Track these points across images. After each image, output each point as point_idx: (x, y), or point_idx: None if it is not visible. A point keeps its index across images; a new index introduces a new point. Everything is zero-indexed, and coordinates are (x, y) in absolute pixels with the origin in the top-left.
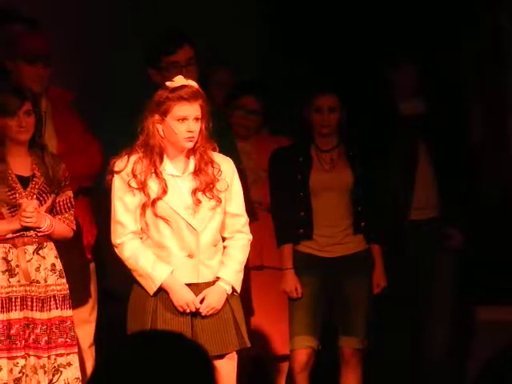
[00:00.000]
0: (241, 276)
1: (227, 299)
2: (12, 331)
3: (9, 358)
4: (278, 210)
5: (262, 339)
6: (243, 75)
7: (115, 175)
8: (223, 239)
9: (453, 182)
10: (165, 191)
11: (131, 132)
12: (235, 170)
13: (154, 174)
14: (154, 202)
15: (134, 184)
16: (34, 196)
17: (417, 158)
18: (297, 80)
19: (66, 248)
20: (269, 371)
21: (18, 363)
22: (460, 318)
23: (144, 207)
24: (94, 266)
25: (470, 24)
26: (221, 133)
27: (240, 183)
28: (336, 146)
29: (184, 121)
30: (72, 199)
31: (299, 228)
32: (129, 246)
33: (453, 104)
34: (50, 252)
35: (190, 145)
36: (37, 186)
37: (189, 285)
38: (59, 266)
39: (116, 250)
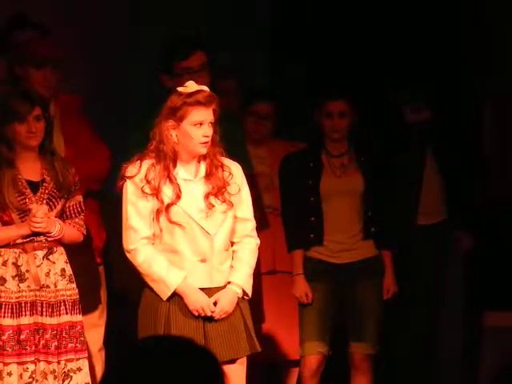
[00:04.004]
0: (251, 280)
1: (237, 303)
2: (22, 336)
3: (19, 364)
4: (289, 216)
5: (274, 344)
6: (252, 82)
7: (127, 180)
8: (231, 244)
9: (460, 185)
10: (178, 196)
11: (142, 137)
12: (243, 174)
13: (167, 179)
14: (167, 208)
15: (147, 190)
16: (44, 201)
17: (424, 163)
18: (308, 85)
19: (75, 252)
20: (279, 376)
21: (27, 368)
22: (469, 323)
23: (158, 213)
24: (103, 270)
25: (477, 27)
26: (232, 139)
27: (248, 188)
28: (346, 151)
29: (200, 126)
30: (82, 204)
31: (309, 233)
32: (142, 251)
33: (460, 110)
34: (59, 257)
35: (205, 150)
36: (47, 191)
37: (201, 289)
38: (69, 270)
39: (128, 255)
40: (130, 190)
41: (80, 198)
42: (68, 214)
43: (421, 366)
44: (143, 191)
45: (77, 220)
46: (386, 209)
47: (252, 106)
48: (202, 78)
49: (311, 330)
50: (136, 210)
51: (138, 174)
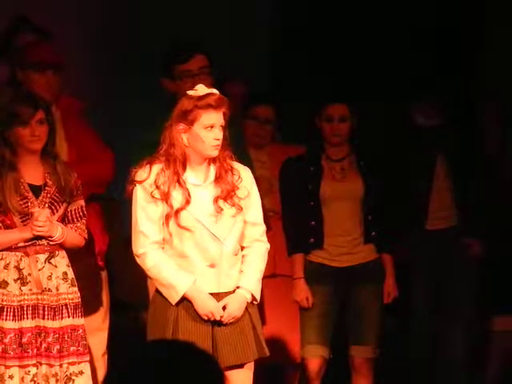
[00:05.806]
0: (260, 285)
1: (246, 308)
2: (24, 340)
3: (20, 367)
4: (289, 220)
5: (274, 347)
6: (254, 86)
7: (137, 185)
8: (241, 248)
9: (471, 191)
10: (188, 201)
11: (150, 141)
12: (253, 178)
13: (177, 184)
14: (177, 212)
15: (157, 195)
16: (46, 205)
17: (434, 168)
18: (308, 89)
19: (78, 255)
20: (280, 380)
21: (29, 371)
22: (477, 327)
23: (167, 218)
24: (106, 274)
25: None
26: (233, 142)
27: (258, 192)
28: (347, 155)
29: (212, 129)
30: (84, 208)
31: (310, 237)
32: (151, 255)
33: (470, 115)
34: (61, 260)
35: (216, 153)
36: (49, 195)
37: (210, 294)
38: (71, 274)
39: (138, 259)
40: (139, 195)
41: (82, 202)
42: (70, 218)
43: (426, 365)
44: (153, 196)
45: (78, 224)
46: (387, 212)
47: (252, 109)
48: (203, 82)
49: (312, 333)
50: (146, 214)
51: (147, 178)
